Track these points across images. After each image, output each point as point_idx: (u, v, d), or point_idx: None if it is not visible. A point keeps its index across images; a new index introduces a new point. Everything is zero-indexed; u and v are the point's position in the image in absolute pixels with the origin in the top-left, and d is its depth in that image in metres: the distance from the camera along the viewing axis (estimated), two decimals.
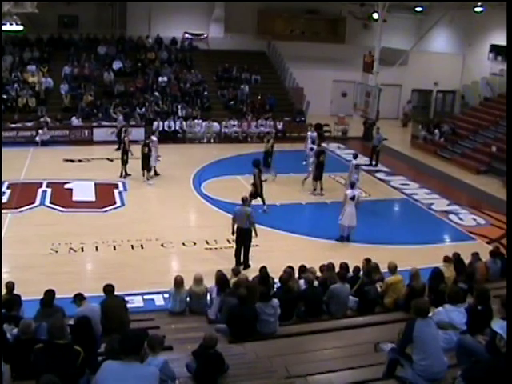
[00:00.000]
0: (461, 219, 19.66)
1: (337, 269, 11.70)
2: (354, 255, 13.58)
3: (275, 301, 9.36)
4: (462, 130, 30.11)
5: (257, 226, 14.87)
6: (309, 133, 25.15)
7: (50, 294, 9.13)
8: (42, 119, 27.49)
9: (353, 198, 16.60)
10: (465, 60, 36.78)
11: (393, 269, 11.29)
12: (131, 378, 5.62)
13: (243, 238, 14.76)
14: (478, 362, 6.73)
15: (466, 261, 12.32)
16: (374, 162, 25.96)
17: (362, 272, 11.66)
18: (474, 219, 19.73)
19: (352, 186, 17.26)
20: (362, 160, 25.32)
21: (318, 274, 11.93)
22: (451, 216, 19.89)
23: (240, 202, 15.06)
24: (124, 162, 21.98)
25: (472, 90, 35.46)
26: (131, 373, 5.63)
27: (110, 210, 18.88)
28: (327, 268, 11.81)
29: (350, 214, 16.51)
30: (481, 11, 31.13)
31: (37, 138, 26.22)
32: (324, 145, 23.50)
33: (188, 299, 11.09)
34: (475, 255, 12.78)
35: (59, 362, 6.32)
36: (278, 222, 17.77)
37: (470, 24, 34.16)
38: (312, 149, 22.81)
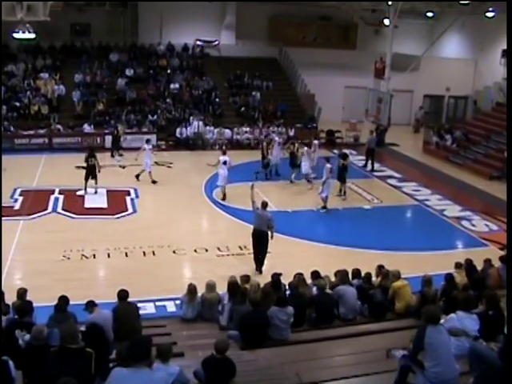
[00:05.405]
0: (473, 225, 19.52)
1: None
2: (367, 262, 13.51)
3: (290, 308, 9.35)
4: (474, 136, 29.94)
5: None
6: (315, 141, 24.76)
7: (63, 299, 9.18)
8: (53, 126, 27.72)
9: (225, 163, 20.29)
10: (477, 65, 36.59)
11: (397, 275, 11.29)
12: (141, 383, 5.65)
13: (260, 242, 14.74)
14: (491, 369, 6.69)
15: (479, 267, 12.26)
16: (370, 167, 26.03)
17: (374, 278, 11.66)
18: (487, 225, 19.57)
19: (224, 153, 20.91)
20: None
21: (333, 279, 11.89)
22: (464, 222, 19.77)
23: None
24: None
25: (485, 94, 35.30)
26: (141, 379, 5.66)
27: (122, 216, 18.93)
28: (339, 274, 11.78)
29: (223, 175, 20.33)
30: (492, 16, 30.98)
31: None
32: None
33: (200, 306, 11.08)
34: (487, 261, 12.71)
35: (73, 367, 6.35)
36: (289, 229, 17.64)
37: (482, 29, 33.98)
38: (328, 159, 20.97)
